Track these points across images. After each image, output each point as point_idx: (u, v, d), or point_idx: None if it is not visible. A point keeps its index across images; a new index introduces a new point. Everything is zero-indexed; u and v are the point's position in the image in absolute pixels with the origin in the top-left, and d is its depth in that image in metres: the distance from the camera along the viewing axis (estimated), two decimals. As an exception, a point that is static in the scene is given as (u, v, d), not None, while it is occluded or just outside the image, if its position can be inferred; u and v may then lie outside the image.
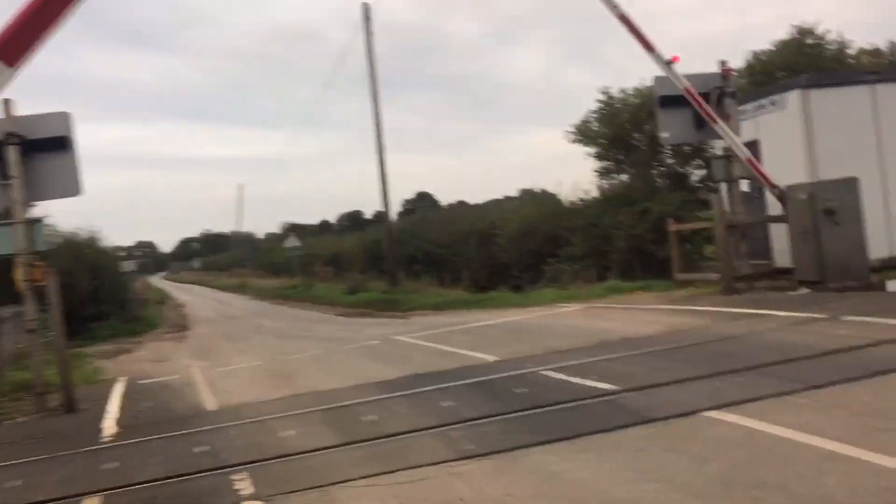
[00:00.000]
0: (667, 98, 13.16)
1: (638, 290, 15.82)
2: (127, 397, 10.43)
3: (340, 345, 13.86)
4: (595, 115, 22.31)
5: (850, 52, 20.48)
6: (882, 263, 14.37)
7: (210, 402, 9.29)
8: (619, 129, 21.38)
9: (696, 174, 22.13)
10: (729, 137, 12.87)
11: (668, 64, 12.61)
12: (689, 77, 13.72)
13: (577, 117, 22.83)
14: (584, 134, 22.57)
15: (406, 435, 6.33)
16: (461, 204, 62.86)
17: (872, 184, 13.76)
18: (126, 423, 8.59)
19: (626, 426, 5.85)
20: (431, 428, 6.44)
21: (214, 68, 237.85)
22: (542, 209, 23.79)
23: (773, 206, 14.71)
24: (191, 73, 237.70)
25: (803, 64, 19.64)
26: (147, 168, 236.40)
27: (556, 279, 19.83)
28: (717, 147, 16.14)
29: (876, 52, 20.59)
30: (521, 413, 6.63)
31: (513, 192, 54.32)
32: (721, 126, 12.85)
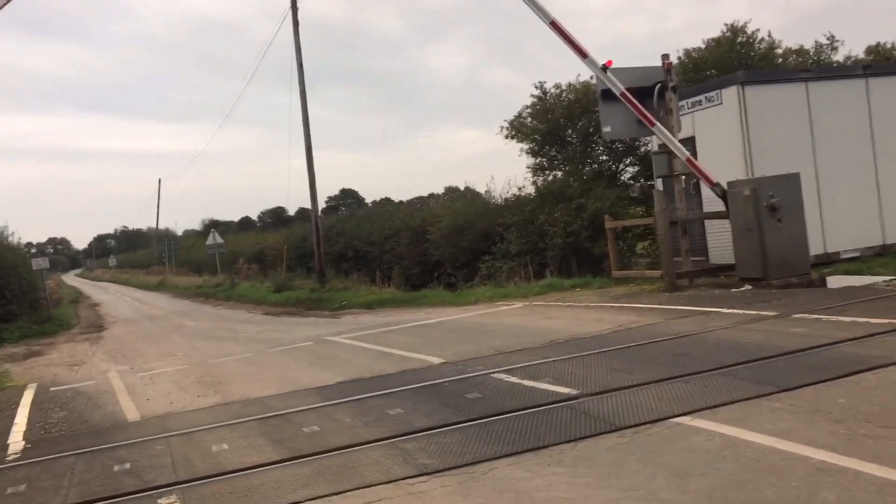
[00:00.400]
0: (608, 92, 12.88)
1: (577, 288, 15.56)
2: (36, 407, 9.54)
3: (271, 346, 13.14)
4: (529, 111, 22.07)
5: (779, 51, 20.79)
6: (816, 259, 14.51)
7: (131, 412, 8.52)
8: (553, 125, 21.16)
9: (629, 171, 22.16)
10: (667, 138, 12.68)
11: (603, 69, 12.35)
12: (631, 70, 13.52)
13: (499, 115, 22.75)
14: (518, 129, 22.30)
15: (354, 448, 5.77)
16: (386, 201, 62.32)
17: (807, 180, 13.79)
18: (35, 437, 7.77)
19: (593, 435, 5.44)
20: (382, 440, 5.90)
21: (131, 60, 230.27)
22: (475, 206, 23.41)
23: (709, 203, 14.68)
24: (106, 64, 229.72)
25: (734, 62, 19.81)
26: (60, 162, 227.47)
27: (491, 277, 19.47)
28: (653, 144, 16.08)
29: (802, 52, 20.93)
30: (477, 421, 6.15)
31: (437, 189, 54.05)
32: (659, 128, 12.65)
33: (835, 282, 12.45)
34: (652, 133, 13.22)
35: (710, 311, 10.42)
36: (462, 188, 47.73)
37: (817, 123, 15.23)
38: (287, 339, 14.13)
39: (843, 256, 15.17)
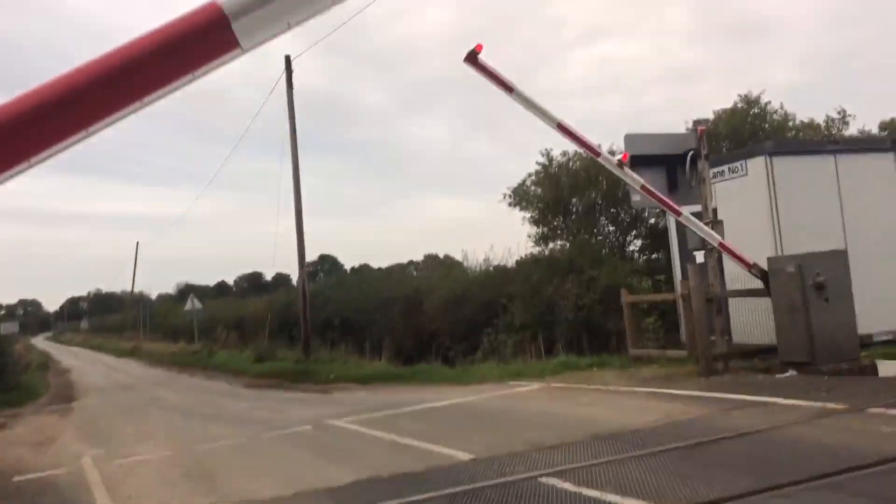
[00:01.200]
0: (637, 158, 12.05)
1: (594, 367, 14.45)
2: (-4, 505, 8.19)
3: (264, 429, 11.81)
4: (533, 178, 21.32)
5: (791, 123, 20.30)
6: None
7: (110, 517, 7.22)
8: (559, 193, 20.38)
9: (636, 243, 21.35)
10: (694, 224, 11.75)
11: (619, 165, 11.48)
12: (658, 137, 12.79)
13: (478, 185, 21.85)
14: (522, 197, 21.50)
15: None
16: (365, 267, 61.08)
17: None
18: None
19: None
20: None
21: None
22: (477, 275, 22.39)
23: (732, 278, 13.77)
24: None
25: (748, 133, 19.25)
26: (33, 224, 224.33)
27: (494, 351, 18.33)
28: (663, 216, 15.24)
29: (813, 125, 20.46)
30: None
31: (417, 257, 53.29)
32: (686, 217, 11.69)
33: (885, 368, 11.47)
34: (684, 202, 12.35)
35: (767, 402, 9.33)
36: (441, 256, 46.92)
37: (847, 199, 14.49)
38: (281, 420, 12.82)
39: (877, 339, 14.23)
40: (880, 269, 14.44)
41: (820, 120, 20.62)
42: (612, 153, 20.65)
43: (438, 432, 9.71)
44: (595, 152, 11.65)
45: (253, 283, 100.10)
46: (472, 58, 10.33)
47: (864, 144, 16.51)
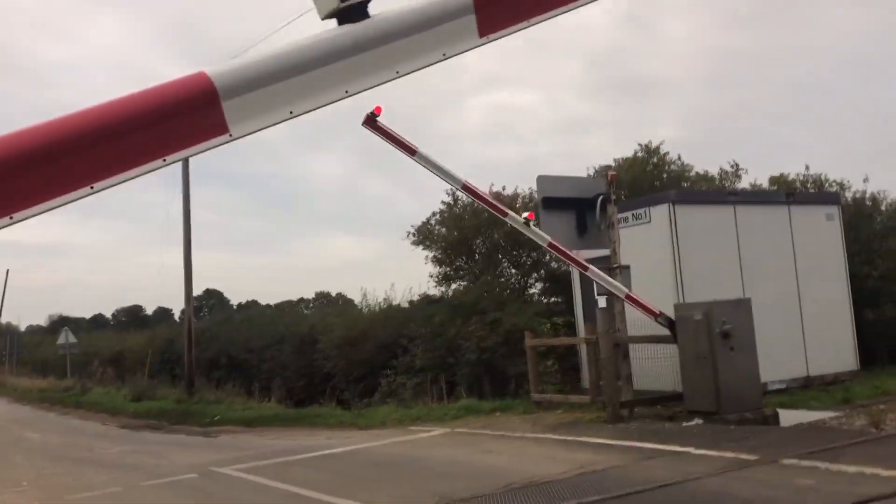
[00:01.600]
0: (550, 200, 11.90)
1: (497, 412, 14.06)
2: None
3: (142, 477, 10.78)
4: (437, 217, 21.01)
5: (690, 174, 20.87)
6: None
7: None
8: (462, 233, 20.13)
9: (536, 287, 21.26)
10: (602, 279, 11.58)
11: (525, 223, 11.26)
12: (572, 180, 12.73)
13: (372, 225, 21.33)
14: (426, 235, 21.13)
15: None
16: (253, 303, 59.22)
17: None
18: None
19: None
20: None
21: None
22: (376, 314, 21.72)
23: (635, 322, 13.74)
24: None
25: (646, 183, 19.60)
26: None
27: (392, 394, 17.67)
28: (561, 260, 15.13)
29: (707, 177, 21.09)
30: None
31: (308, 294, 52.08)
32: (594, 271, 11.51)
33: (786, 417, 11.56)
34: (592, 246, 12.26)
35: (679, 451, 9.14)
36: (333, 294, 45.92)
37: (745, 250, 14.81)
38: (161, 466, 11.78)
39: (771, 388, 14.46)
40: (773, 319, 14.74)
41: (714, 172, 21.29)
42: (505, 195, 20.73)
43: (339, 484, 9.03)
44: (502, 212, 11.40)
45: (133, 316, 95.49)
46: (371, 121, 9.94)
47: (761, 197, 17.04)
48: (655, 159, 20.72)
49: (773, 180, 20.56)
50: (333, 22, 3.31)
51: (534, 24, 3.75)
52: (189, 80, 2.68)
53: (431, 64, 3.50)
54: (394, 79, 3.42)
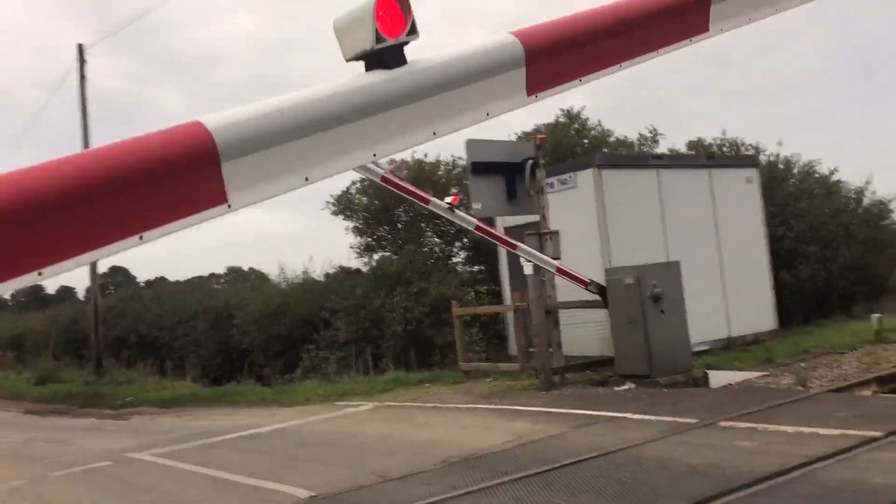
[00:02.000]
0: (479, 165, 11.53)
1: (426, 383, 13.75)
2: None
3: (51, 467, 10.00)
4: (358, 186, 20.38)
5: (610, 139, 20.86)
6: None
7: None
8: (384, 202, 19.59)
9: (461, 255, 20.98)
10: (531, 254, 11.42)
11: (450, 209, 10.96)
12: (501, 144, 12.43)
13: (292, 197, 20.63)
14: (346, 205, 20.47)
15: None
16: (161, 280, 57.14)
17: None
18: None
19: None
20: None
21: None
22: (295, 287, 21.01)
23: (562, 289, 13.62)
24: None
25: (569, 148, 19.46)
26: None
27: (315, 369, 17.13)
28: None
29: (626, 142, 21.14)
30: None
31: (219, 270, 50.71)
32: (522, 248, 11.38)
33: (715, 378, 11.63)
34: (524, 211, 12.02)
35: (616, 417, 9.01)
36: (246, 269, 44.73)
37: (668, 213, 14.83)
38: (71, 454, 10.98)
39: (695, 350, 14.62)
40: (696, 282, 14.85)
41: (634, 138, 21.36)
42: (427, 162, 20.35)
43: (267, 465, 8.54)
44: (424, 200, 10.99)
45: (33, 296, 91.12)
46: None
47: (683, 160, 17.11)
48: (577, 125, 20.61)
49: (691, 145, 20.76)
50: (358, 65, 2.69)
51: (585, 83, 3.31)
52: (182, 131, 2.15)
53: (472, 124, 3.04)
54: (430, 140, 2.90)
